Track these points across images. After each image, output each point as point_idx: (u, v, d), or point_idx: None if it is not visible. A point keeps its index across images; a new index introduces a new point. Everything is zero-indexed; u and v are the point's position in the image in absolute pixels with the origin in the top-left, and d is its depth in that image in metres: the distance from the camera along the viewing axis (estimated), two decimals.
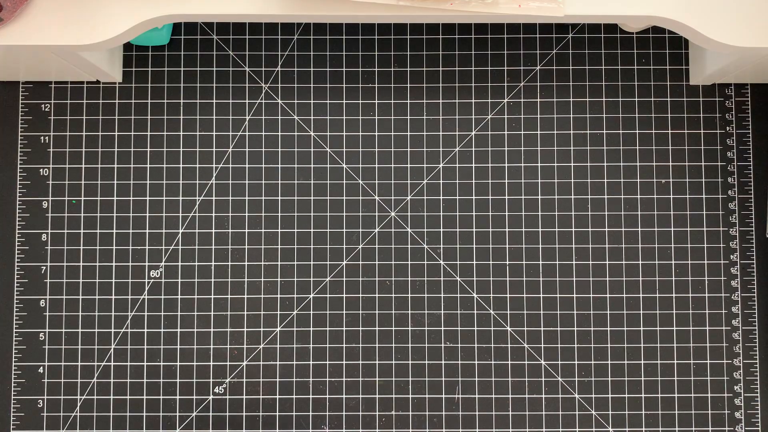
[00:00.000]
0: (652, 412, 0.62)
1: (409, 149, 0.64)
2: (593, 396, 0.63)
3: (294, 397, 0.62)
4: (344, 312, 0.63)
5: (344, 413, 0.62)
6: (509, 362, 0.63)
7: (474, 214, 0.63)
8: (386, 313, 0.63)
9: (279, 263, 0.63)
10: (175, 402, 0.62)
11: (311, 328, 0.63)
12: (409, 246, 0.63)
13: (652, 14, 0.52)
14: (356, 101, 0.64)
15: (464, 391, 0.62)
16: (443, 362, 0.63)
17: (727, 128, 0.64)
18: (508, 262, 0.63)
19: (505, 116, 0.64)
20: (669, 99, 0.64)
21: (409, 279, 0.63)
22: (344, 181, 0.64)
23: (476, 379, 0.63)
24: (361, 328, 0.63)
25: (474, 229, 0.63)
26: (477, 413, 0.62)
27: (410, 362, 0.63)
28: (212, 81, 0.64)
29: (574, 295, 0.63)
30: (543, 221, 0.63)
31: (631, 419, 0.62)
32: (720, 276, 0.63)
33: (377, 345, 0.63)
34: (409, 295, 0.63)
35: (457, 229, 0.63)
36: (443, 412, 0.62)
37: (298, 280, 0.63)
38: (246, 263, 0.63)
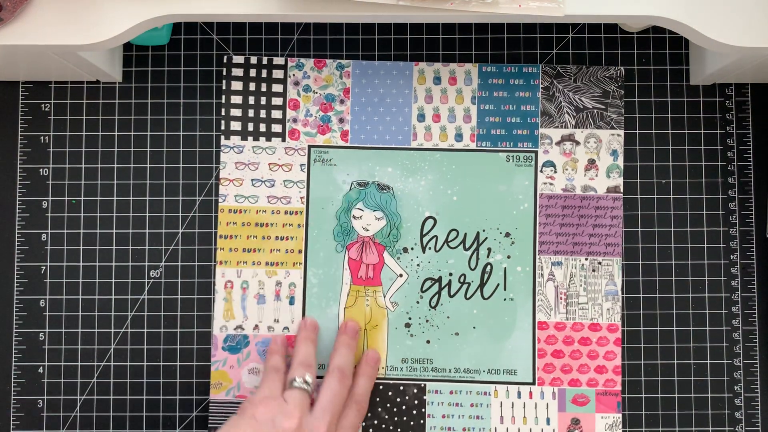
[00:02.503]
0: (652, 412, 0.62)
1: None
2: None
3: None
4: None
5: None
6: None
7: None
8: None
9: None
10: (175, 402, 0.62)
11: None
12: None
13: (652, 14, 0.52)
14: None
15: None
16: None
17: (728, 128, 0.64)
18: None
19: None
20: (669, 99, 0.64)
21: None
22: None
23: None
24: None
25: None
26: None
27: None
28: (212, 81, 0.64)
29: None
30: None
31: (631, 419, 0.62)
32: (720, 276, 0.63)
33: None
34: None
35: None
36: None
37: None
38: None
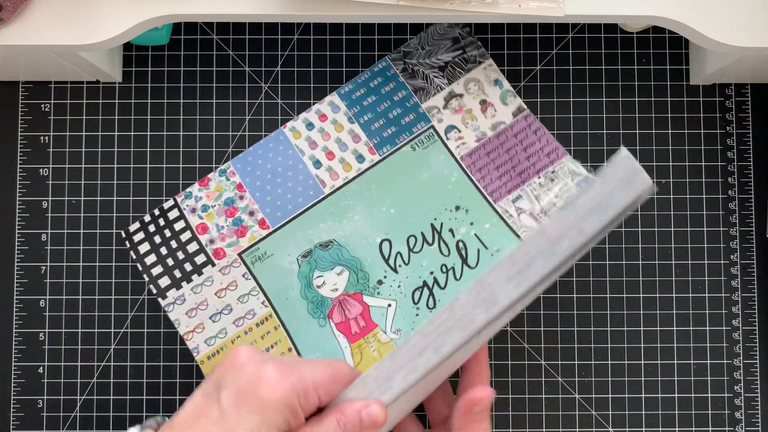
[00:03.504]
0: (652, 412, 0.62)
1: None
2: (593, 396, 0.63)
3: None
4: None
5: None
6: (509, 362, 0.63)
7: None
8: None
9: None
10: (175, 402, 0.62)
11: None
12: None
13: (652, 14, 0.52)
14: None
15: None
16: None
17: (727, 128, 0.64)
18: None
19: None
20: (669, 99, 0.64)
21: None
22: None
23: None
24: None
25: None
26: None
27: None
28: (212, 81, 0.64)
29: (574, 295, 0.63)
30: None
31: (631, 419, 0.62)
32: (720, 276, 0.63)
33: None
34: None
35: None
36: None
37: None
38: None
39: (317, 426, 0.44)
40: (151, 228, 0.61)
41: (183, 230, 0.61)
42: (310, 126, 0.62)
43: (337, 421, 0.44)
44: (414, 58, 0.62)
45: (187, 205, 0.61)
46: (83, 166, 0.64)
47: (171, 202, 0.61)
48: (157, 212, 0.61)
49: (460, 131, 0.61)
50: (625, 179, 0.46)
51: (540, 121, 0.61)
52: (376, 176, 0.61)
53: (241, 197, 0.61)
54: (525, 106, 0.61)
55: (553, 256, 0.47)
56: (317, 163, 0.61)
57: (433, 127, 0.61)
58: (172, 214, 0.61)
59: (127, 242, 0.61)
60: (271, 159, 0.61)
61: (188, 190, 0.61)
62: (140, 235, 0.61)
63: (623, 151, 0.46)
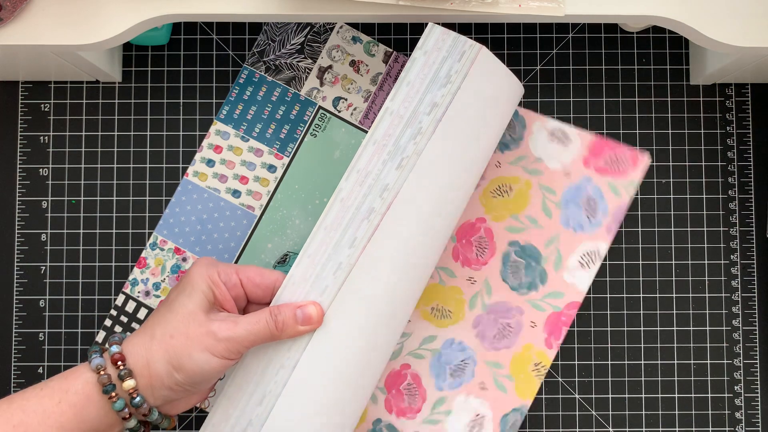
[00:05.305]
0: (653, 412, 0.62)
1: None
2: (593, 396, 0.63)
3: None
4: None
5: None
6: None
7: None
8: None
9: None
10: None
11: None
12: None
13: (652, 14, 0.52)
14: None
15: None
16: None
17: (728, 128, 0.64)
18: None
19: None
20: (669, 99, 0.64)
21: None
22: None
23: None
24: None
25: None
26: None
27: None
28: (212, 81, 0.64)
29: None
30: None
31: (631, 419, 0.62)
32: (720, 276, 0.63)
33: None
34: None
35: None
36: None
37: None
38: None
39: (253, 315, 0.50)
40: (118, 329, 0.62)
41: (148, 315, 0.62)
42: (210, 163, 0.62)
43: (270, 311, 0.50)
44: (270, 53, 0.62)
45: (139, 291, 0.62)
46: (83, 166, 0.64)
47: (122, 297, 0.62)
48: (114, 312, 0.62)
49: (346, 99, 0.62)
50: (451, 47, 0.48)
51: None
52: (294, 176, 0.62)
53: (185, 259, 0.62)
54: (390, 50, 0.62)
55: (420, 131, 0.47)
56: (236, 193, 0.62)
57: (320, 107, 0.62)
58: (130, 306, 0.62)
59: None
60: (191, 211, 0.62)
61: (131, 277, 0.62)
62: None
63: (435, 26, 0.49)
